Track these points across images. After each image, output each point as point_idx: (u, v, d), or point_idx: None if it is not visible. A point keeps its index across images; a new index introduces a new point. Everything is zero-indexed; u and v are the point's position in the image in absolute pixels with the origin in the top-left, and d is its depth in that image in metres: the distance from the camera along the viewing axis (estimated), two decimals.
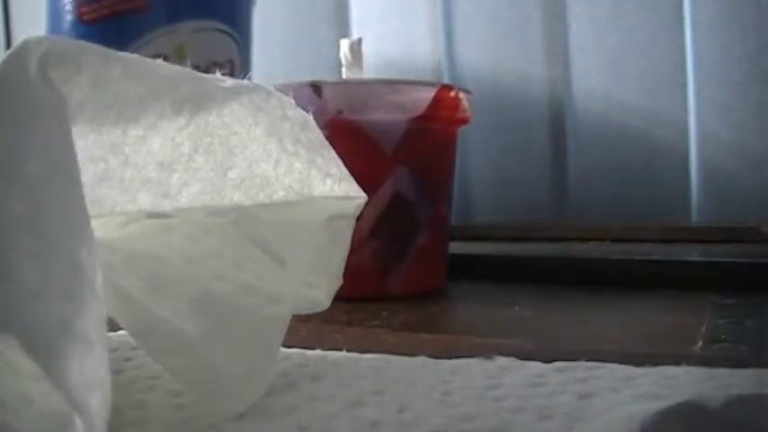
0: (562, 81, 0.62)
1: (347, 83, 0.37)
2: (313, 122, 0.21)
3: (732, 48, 0.55)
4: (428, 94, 0.35)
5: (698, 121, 0.58)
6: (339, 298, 0.22)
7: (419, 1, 0.66)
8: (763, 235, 0.46)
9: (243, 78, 0.20)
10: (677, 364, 0.20)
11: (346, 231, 0.22)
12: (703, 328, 0.27)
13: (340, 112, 0.34)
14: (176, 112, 0.19)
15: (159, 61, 0.18)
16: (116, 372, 0.21)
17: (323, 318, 0.23)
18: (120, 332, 0.21)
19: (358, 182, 0.22)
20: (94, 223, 0.15)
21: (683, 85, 0.58)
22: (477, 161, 0.65)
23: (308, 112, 0.21)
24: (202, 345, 0.18)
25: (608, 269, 0.38)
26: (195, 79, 0.18)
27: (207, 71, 0.19)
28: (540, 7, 0.62)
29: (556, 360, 0.21)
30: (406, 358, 0.22)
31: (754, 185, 0.55)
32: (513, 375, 0.20)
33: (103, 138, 0.19)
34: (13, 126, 0.13)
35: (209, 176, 0.21)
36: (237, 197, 0.21)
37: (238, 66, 0.48)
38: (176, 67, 0.18)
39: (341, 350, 0.23)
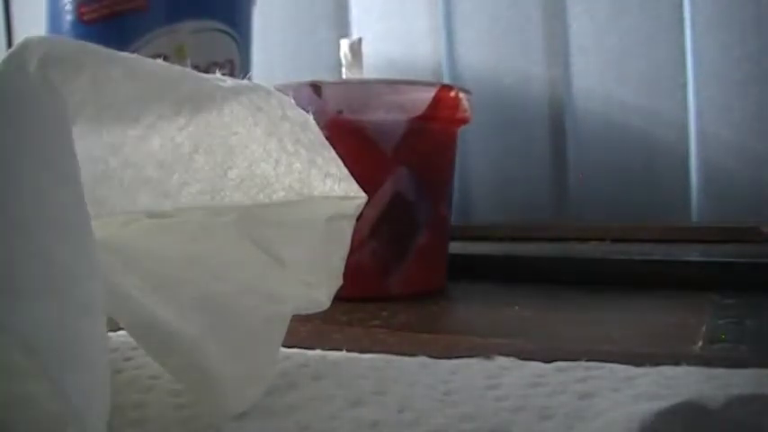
0: (562, 81, 0.62)
1: (347, 83, 0.37)
2: (313, 122, 0.21)
3: (732, 48, 0.55)
4: (428, 94, 0.35)
5: (698, 121, 0.58)
6: (339, 298, 0.22)
7: (419, 1, 0.66)
8: (763, 235, 0.46)
9: (243, 78, 0.20)
10: (677, 364, 0.20)
11: (346, 231, 0.22)
12: (703, 328, 0.27)
13: (340, 112, 0.34)
14: (176, 112, 0.19)
15: (159, 61, 0.18)
16: (116, 372, 0.21)
17: (323, 318, 0.23)
18: (120, 332, 0.21)
19: (358, 182, 0.22)
20: (94, 223, 0.15)
21: (683, 85, 0.58)
22: (477, 161, 0.65)
23: (308, 112, 0.21)
24: (202, 345, 0.18)
25: (608, 269, 0.38)
26: (195, 79, 0.18)
27: (207, 71, 0.19)
28: (540, 7, 0.62)
29: (556, 360, 0.21)
30: (406, 358, 0.22)
31: (754, 185, 0.55)
32: (513, 375, 0.20)
33: (103, 138, 0.19)
34: (13, 126, 0.13)
35: (209, 176, 0.21)
36: (237, 197, 0.21)
37: (238, 66, 0.48)
38: (176, 67, 0.18)
39: (341, 350, 0.23)
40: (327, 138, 0.21)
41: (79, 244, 0.14)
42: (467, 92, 0.37)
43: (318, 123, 0.21)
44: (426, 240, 0.36)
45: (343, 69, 0.39)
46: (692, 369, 0.19)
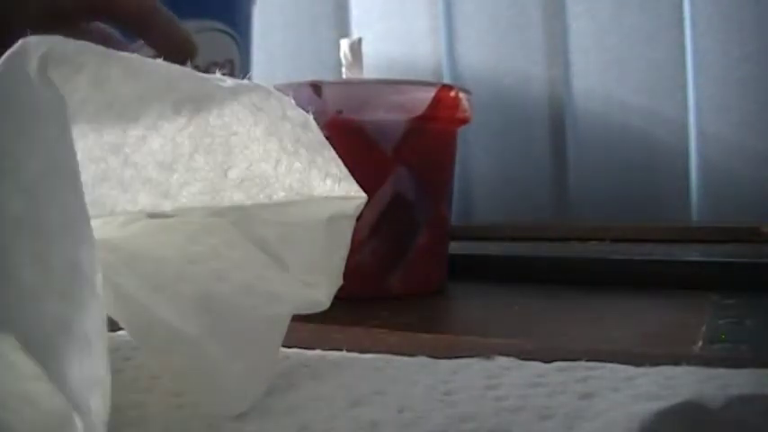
0: (562, 81, 0.62)
1: (347, 83, 0.37)
2: (313, 122, 0.21)
3: (732, 48, 0.55)
4: (428, 94, 0.35)
5: (698, 121, 0.58)
6: (339, 298, 0.22)
7: (419, 1, 0.66)
8: (763, 235, 0.46)
9: (243, 78, 0.20)
10: (677, 364, 0.20)
11: (346, 231, 0.22)
12: (703, 328, 0.27)
13: (340, 112, 0.34)
14: (176, 112, 0.19)
15: (159, 61, 0.18)
16: (116, 372, 0.21)
17: (323, 318, 0.23)
18: (120, 332, 0.21)
19: (358, 182, 0.22)
20: (94, 223, 0.15)
21: (683, 86, 0.58)
22: (477, 161, 0.65)
23: (308, 112, 0.21)
24: (202, 345, 0.18)
25: (608, 269, 0.38)
26: (195, 79, 0.18)
27: (207, 71, 0.19)
28: (540, 7, 0.62)
29: (556, 360, 0.21)
30: (406, 358, 0.22)
31: (754, 185, 0.55)
32: (513, 375, 0.20)
33: (103, 138, 0.19)
34: (14, 126, 0.13)
35: (209, 176, 0.21)
36: (237, 197, 0.21)
37: (238, 66, 0.48)
38: (176, 67, 0.18)
39: (341, 350, 0.23)
40: (327, 138, 0.21)
41: (79, 244, 0.14)
42: (467, 92, 0.37)
43: (318, 123, 0.21)
44: (426, 240, 0.36)
45: (344, 69, 0.39)
46: (692, 369, 0.19)
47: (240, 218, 0.21)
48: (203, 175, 0.21)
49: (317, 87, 0.34)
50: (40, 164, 0.14)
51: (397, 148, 0.35)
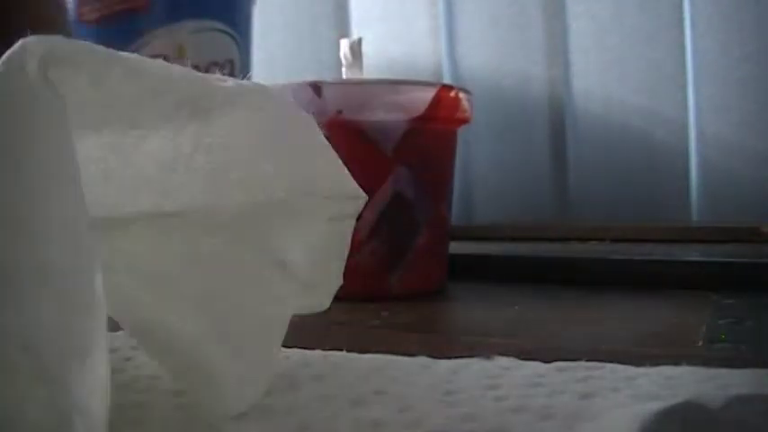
0: (562, 81, 0.62)
1: (347, 83, 0.37)
2: (313, 122, 0.21)
3: (732, 48, 0.55)
4: (428, 94, 0.35)
5: (698, 121, 0.58)
6: (339, 298, 0.22)
7: (419, 1, 0.66)
8: (763, 235, 0.46)
9: (243, 78, 0.20)
10: (677, 364, 0.20)
11: (346, 231, 0.22)
12: (703, 328, 0.27)
13: (340, 112, 0.34)
14: (176, 111, 0.19)
15: (159, 61, 0.18)
16: (116, 372, 0.21)
17: (323, 318, 0.23)
18: (120, 332, 0.21)
19: (358, 182, 0.22)
20: (94, 223, 0.15)
21: (683, 86, 0.58)
22: (477, 161, 0.65)
23: (307, 112, 0.21)
24: (202, 345, 0.18)
25: (608, 269, 0.38)
26: (195, 79, 0.18)
27: (207, 71, 0.19)
28: (541, 7, 0.62)
29: (556, 360, 0.21)
30: (406, 358, 0.22)
31: (754, 185, 0.55)
32: (513, 375, 0.20)
33: (103, 138, 0.19)
34: (13, 126, 0.13)
35: (209, 176, 0.21)
36: (237, 197, 0.21)
37: (238, 66, 0.48)
38: (176, 67, 0.18)
39: (341, 350, 0.23)
40: (327, 138, 0.21)
41: (79, 244, 0.14)
42: (467, 92, 0.37)
43: (318, 123, 0.21)
44: (426, 240, 0.36)
45: (344, 69, 0.39)
46: (692, 369, 0.19)
47: (240, 218, 0.21)
48: (203, 175, 0.21)
49: (316, 87, 0.34)
50: (40, 164, 0.14)
51: (397, 148, 0.35)
